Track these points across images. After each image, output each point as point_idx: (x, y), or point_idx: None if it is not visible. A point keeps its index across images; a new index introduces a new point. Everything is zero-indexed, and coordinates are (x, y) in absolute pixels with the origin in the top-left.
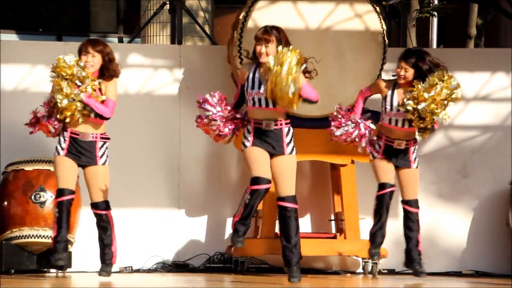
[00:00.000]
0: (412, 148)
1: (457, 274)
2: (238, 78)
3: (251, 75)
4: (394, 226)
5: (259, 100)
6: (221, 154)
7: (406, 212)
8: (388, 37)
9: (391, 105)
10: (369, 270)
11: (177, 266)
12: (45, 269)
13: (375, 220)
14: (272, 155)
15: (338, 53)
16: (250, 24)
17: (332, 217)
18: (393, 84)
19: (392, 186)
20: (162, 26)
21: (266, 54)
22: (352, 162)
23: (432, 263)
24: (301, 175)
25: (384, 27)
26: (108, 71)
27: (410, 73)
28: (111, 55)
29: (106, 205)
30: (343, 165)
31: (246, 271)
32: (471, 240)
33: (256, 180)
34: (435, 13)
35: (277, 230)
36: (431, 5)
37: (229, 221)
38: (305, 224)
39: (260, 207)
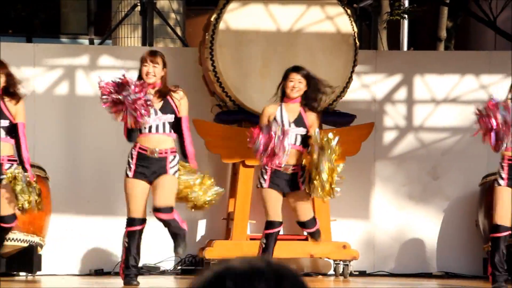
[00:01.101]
0: (300, 173)
1: (428, 276)
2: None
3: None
4: (366, 228)
5: (156, 126)
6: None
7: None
8: (359, 39)
9: (282, 121)
10: (340, 272)
11: (148, 269)
12: (15, 272)
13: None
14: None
15: (310, 55)
16: (221, 26)
17: None
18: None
19: (281, 224)
20: (133, 27)
21: (154, 74)
22: None
23: (402, 265)
24: None
25: (355, 29)
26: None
27: (303, 85)
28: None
29: (12, 218)
30: None
31: None
32: (441, 241)
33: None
34: (406, 16)
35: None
36: (401, 7)
37: (201, 223)
38: None
39: (231, 209)
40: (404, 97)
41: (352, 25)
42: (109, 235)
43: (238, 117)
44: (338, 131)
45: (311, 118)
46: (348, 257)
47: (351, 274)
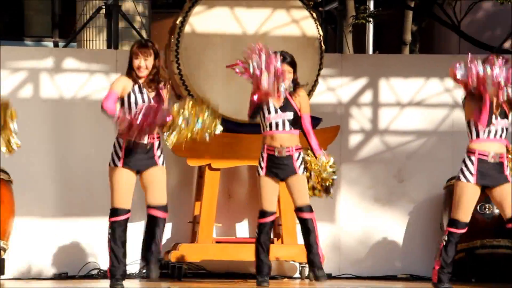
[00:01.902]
0: (295, 154)
1: (393, 278)
2: (119, 84)
3: (135, 95)
4: (331, 230)
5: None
6: None
7: (300, 219)
8: (324, 43)
9: (268, 109)
10: (306, 275)
11: None
12: None
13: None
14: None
15: None
16: (187, 29)
17: None
18: None
19: (273, 214)
20: (98, 30)
21: (146, 67)
22: None
23: (368, 267)
24: (238, 181)
25: (321, 33)
26: None
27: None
28: None
29: None
30: None
31: (183, 277)
32: (406, 244)
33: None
34: (371, 20)
35: (214, 235)
36: (367, 11)
37: (166, 227)
38: (242, 229)
39: (197, 212)
40: (369, 100)
41: (317, 28)
42: (73, 238)
43: None
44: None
45: (298, 99)
46: None
47: None
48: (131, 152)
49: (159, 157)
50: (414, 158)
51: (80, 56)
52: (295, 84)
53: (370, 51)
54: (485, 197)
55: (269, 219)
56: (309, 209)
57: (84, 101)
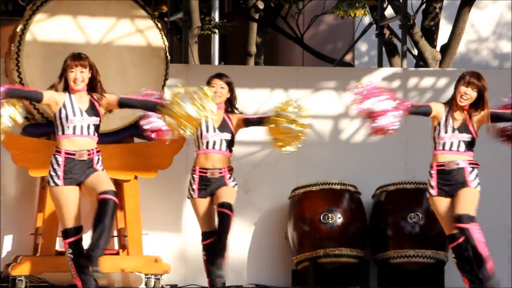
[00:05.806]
0: (228, 175)
1: None
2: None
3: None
4: (178, 241)
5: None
6: (2, 170)
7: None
8: (170, 53)
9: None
10: (152, 286)
11: None
12: None
13: None
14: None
15: (121, 68)
16: (28, 37)
17: (115, 233)
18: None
19: (214, 232)
20: None
21: (82, 80)
22: (136, 177)
23: None
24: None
25: (166, 43)
26: None
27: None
28: None
29: None
30: (126, 181)
31: None
32: (252, 253)
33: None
34: (216, 31)
35: (57, 247)
36: (212, 22)
37: (7, 239)
38: (87, 240)
39: (40, 223)
40: None
41: (162, 38)
42: None
43: (47, 130)
44: (150, 145)
45: (235, 120)
46: (160, 271)
47: None
48: (71, 169)
49: (99, 166)
50: (260, 168)
51: None
52: (232, 105)
53: (216, 62)
54: (328, 207)
55: (213, 238)
56: (230, 207)
57: None
